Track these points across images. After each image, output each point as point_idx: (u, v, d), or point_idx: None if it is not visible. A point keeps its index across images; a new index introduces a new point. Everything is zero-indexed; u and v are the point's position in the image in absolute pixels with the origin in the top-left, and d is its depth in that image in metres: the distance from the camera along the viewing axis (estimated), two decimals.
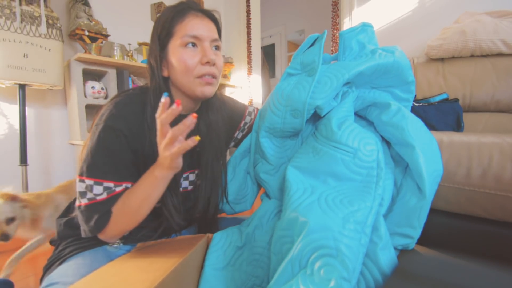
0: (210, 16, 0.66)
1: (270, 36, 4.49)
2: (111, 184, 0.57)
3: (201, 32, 0.61)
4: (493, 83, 1.21)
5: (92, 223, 0.56)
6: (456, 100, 1.17)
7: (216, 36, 0.65)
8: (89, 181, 0.56)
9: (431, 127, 1.07)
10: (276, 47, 4.48)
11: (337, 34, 2.07)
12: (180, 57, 0.60)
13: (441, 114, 1.11)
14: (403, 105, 0.63)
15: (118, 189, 0.58)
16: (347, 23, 2.03)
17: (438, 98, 1.19)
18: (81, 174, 0.57)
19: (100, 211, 0.56)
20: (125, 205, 0.58)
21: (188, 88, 0.62)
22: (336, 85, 0.58)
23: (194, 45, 0.61)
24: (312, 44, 0.69)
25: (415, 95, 0.96)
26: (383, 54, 0.61)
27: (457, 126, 1.10)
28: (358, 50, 0.65)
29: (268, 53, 4.52)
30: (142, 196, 0.57)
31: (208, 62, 0.61)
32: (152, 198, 0.58)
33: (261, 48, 3.05)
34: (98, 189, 0.56)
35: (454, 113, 1.11)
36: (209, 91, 0.63)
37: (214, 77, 0.63)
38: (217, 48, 0.65)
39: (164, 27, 0.62)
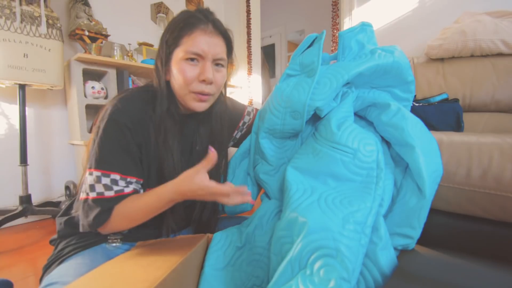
0: (221, 32, 0.64)
1: (270, 36, 4.49)
2: (117, 176, 0.58)
3: (205, 49, 0.60)
4: (493, 83, 1.21)
5: (91, 218, 0.56)
6: (456, 100, 1.16)
7: (222, 54, 0.63)
8: (96, 173, 0.57)
9: (431, 127, 1.06)
10: (276, 47, 4.47)
11: (337, 34, 2.07)
12: (180, 69, 0.61)
13: (441, 114, 1.11)
14: (402, 105, 0.62)
15: (127, 190, 0.59)
16: (347, 23, 2.03)
17: (438, 98, 1.18)
18: (90, 167, 0.58)
19: (104, 207, 0.57)
20: (127, 209, 0.58)
21: (182, 100, 0.64)
22: (336, 86, 0.58)
23: (196, 59, 0.61)
24: (311, 45, 0.68)
25: (415, 95, 0.96)
26: (382, 54, 0.61)
27: (457, 126, 1.10)
28: (357, 50, 0.65)
29: (268, 53, 4.51)
30: (148, 209, 0.58)
31: (204, 80, 0.61)
32: (155, 213, 0.59)
33: (261, 48, 3.05)
34: (105, 181, 0.57)
35: (454, 113, 1.11)
36: (201, 107, 0.64)
37: (208, 94, 0.63)
38: (221, 65, 0.65)
39: (172, 35, 0.62)
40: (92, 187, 0.57)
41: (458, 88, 1.27)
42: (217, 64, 0.64)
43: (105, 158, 0.58)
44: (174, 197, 0.56)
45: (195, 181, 0.53)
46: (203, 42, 0.61)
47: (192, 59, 0.61)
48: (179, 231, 0.73)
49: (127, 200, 0.59)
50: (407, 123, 0.54)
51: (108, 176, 0.57)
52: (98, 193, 0.57)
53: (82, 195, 0.58)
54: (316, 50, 0.63)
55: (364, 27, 0.66)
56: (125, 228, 0.61)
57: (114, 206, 0.58)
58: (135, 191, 0.61)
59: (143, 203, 0.58)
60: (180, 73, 0.61)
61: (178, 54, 0.61)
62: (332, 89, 0.58)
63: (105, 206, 0.57)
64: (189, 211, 0.72)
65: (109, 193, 0.57)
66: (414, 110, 1.06)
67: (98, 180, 0.57)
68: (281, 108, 0.62)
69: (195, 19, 0.62)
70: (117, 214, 0.58)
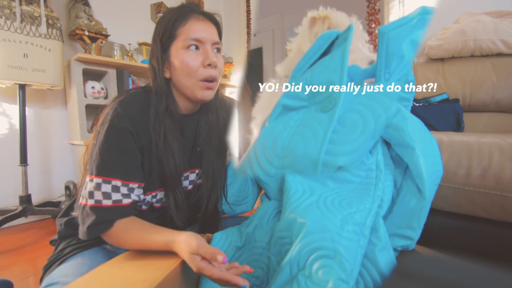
0: (212, 19, 0.66)
1: None
2: (118, 183, 0.57)
3: (203, 35, 0.62)
4: (493, 83, 1.21)
5: (86, 227, 0.56)
6: (457, 100, 1.17)
7: (217, 39, 0.66)
8: (97, 180, 0.56)
9: (431, 127, 1.07)
10: None
11: (375, 31, 1.37)
12: (183, 59, 0.61)
13: (441, 114, 1.12)
14: (402, 105, 0.61)
15: (125, 201, 0.58)
16: (396, 8, 1.35)
17: (438, 98, 1.19)
18: (90, 173, 0.57)
19: (100, 217, 0.56)
20: (122, 233, 0.57)
21: (189, 91, 0.63)
22: (375, 128, 0.40)
23: (196, 47, 0.62)
24: (327, 50, 0.49)
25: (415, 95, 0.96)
26: None
27: (457, 126, 1.11)
28: (409, 58, 0.45)
29: None
30: (143, 244, 0.56)
31: (210, 65, 0.62)
32: (145, 247, 0.57)
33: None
34: (106, 188, 0.56)
35: (454, 113, 1.12)
36: (209, 95, 0.65)
37: (215, 80, 0.64)
38: (218, 50, 0.66)
39: (166, 29, 0.63)
40: (91, 194, 0.56)
41: (458, 88, 1.28)
42: (215, 49, 0.65)
43: (106, 165, 0.57)
44: (168, 239, 0.53)
45: (195, 240, 0.50)
46: (200, 28, 0.62)
47: (193, 46, 0.62)
48: (184, 229, 0.73)
49: (127, 222, 0.58)
50: (407, 124, 0.52)
51: (109, 182, 0.57)
52: (96, 201, 0.56)
53: (82, 200, 0.58)
54: (338, 60, 0.41)
55: (424, 16, 0.41)
56: (120, 246, 0.60)
57: (110, 220, 0.56)
58: (133, 203, 0.59)
59: (143, 237, 0.56)
60: (184, 63, 0.61)
61: (177, 45, 0.62)
62: (368, 134, 0.41)
63: (101, 216, 0.56)
64: (194, 210, 0.72)
65: (107, 202, 0.56)
66: (414, 110, 1.06)
67: (98, 187, 0.56)
68: (275, 163, 0.46)
69: (187, 9, 0.64)
70: (115, 234, 0.57)
